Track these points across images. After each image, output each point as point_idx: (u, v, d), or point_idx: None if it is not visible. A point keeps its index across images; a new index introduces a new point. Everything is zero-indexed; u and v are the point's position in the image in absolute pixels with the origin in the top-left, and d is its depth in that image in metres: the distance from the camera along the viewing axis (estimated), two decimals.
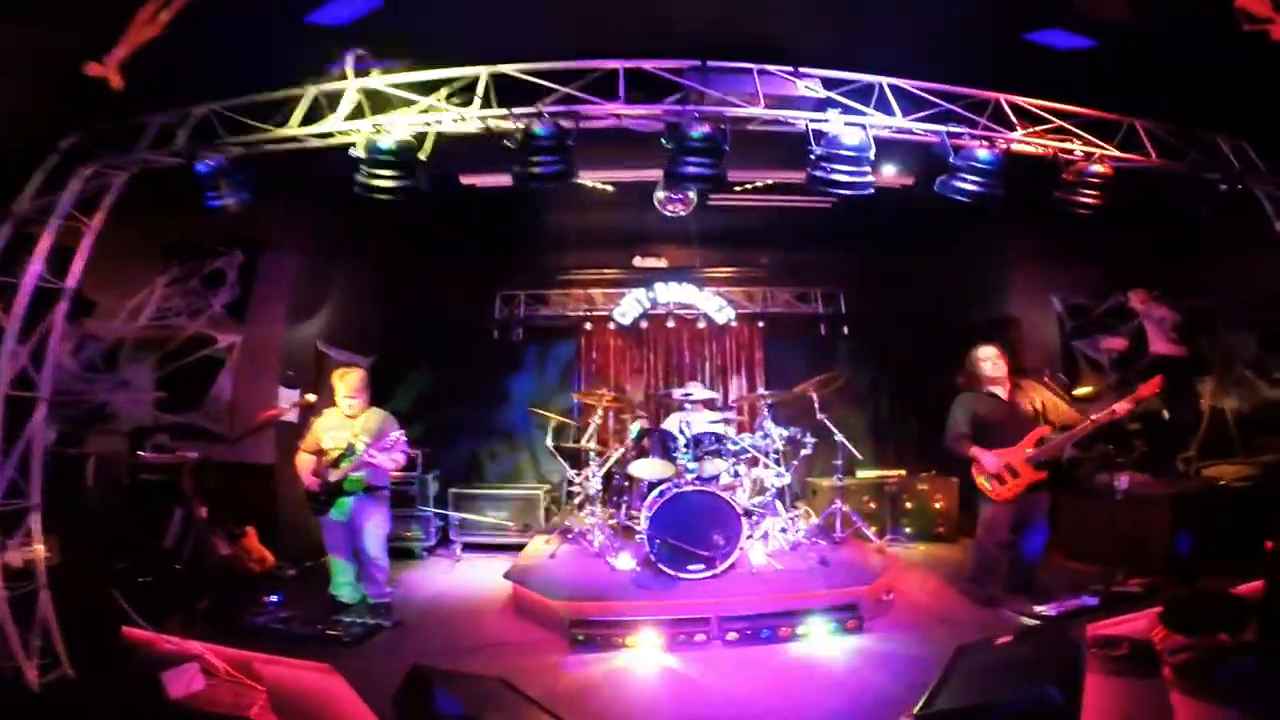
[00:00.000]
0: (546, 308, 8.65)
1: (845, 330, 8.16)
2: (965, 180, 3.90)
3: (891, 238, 7.47)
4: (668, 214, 6.67)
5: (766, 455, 5.77)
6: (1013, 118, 3.96)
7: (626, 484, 5.93)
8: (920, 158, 5.39)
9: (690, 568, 4.60)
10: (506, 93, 3.73)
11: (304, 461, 4.58)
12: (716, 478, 5.59)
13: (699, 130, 3.72)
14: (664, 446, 5.73)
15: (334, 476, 4.39)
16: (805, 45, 4.03)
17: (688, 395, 6.24)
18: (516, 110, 3.70)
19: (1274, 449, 6.22)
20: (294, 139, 3.79)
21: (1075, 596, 4.27)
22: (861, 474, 6.94)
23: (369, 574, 4.58)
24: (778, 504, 5.54)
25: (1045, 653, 2.61)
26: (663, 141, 3.91)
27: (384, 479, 4.63)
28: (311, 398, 5.62)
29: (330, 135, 3.80)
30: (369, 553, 4.52)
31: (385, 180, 3.71)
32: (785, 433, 5.86)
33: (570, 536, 5.76)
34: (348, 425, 4.54)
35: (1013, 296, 7.32)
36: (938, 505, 6.68)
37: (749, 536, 4.98)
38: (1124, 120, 4.09)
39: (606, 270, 8.68)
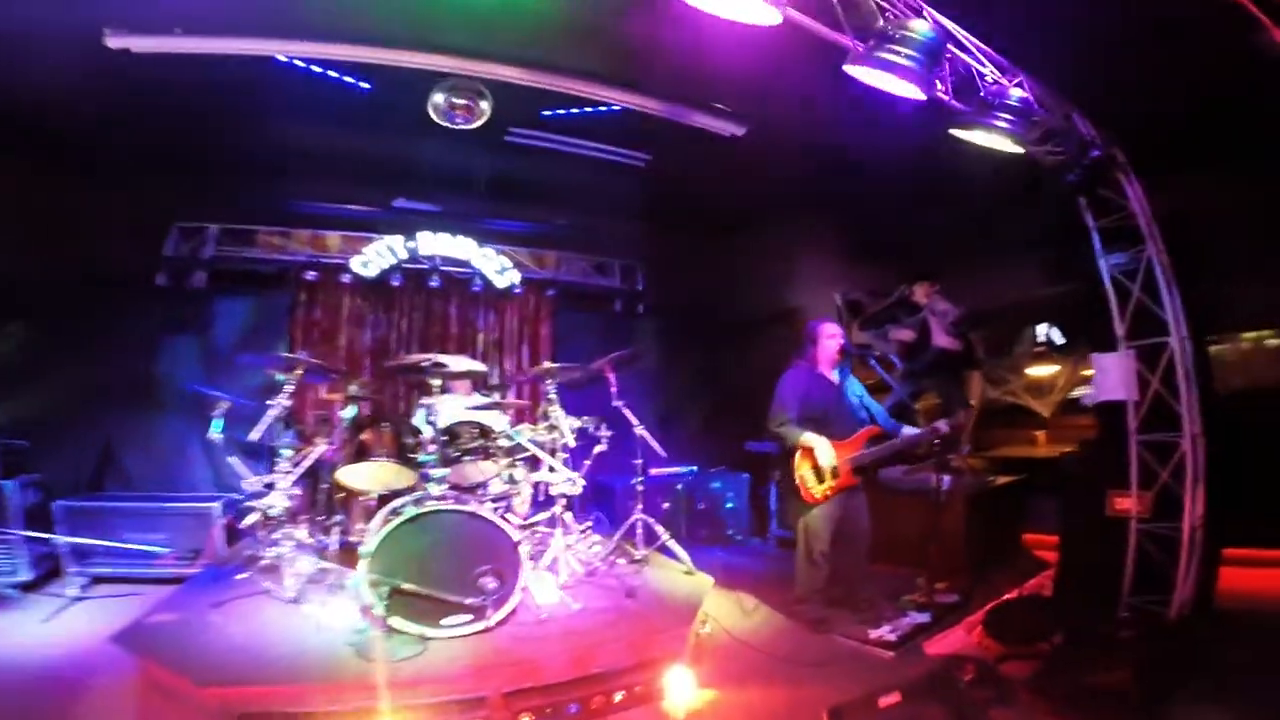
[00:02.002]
0: (251, 248, 6.27)
1: (641, 309, 7.27)
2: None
3: (695, 214, 6.76)
4: (448, 124, 5.05)
5: (554, 453, 4.49)
6: None
7: (342, 496, 4.14)
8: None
9: (446, 622, 3.10)
10: None
11: None
12: (482, 487, 4.14)
13: None
14: (397, 442, 4.07)
15: None
16: None
17: (438, 366, 4.08)
18: None
19: (994, 444, 6.99)
20: None
21: (902, 613, 3.79)
22: (654, 470, 6.05)
23: None
24: (569, 518, 4.27)
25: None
26: None
27: None
28: None
29: None
30: None
31: None
32: (577, 423, 4.63)
33: (255, 573, 3.80)
34: None
35: (799, 288, 7.13)
36: (729, 505, 6.08)
37: (533, 568, 3.64)
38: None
39: (350, 206, 6.58)
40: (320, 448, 4.01)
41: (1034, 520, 5.44)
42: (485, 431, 4.38)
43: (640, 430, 4.77)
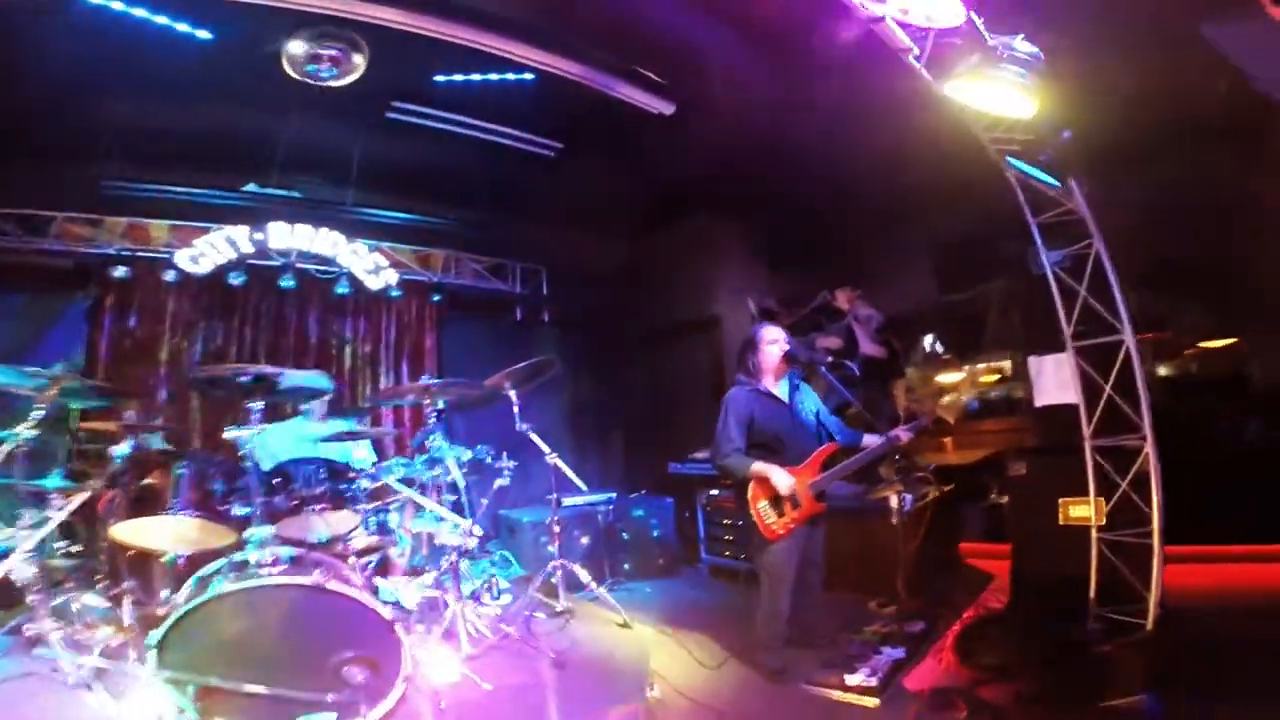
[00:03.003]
0: (41, 238, 4.80)
1: (546, 318, 6.48)
2: None
3: (607, 214, 6.14)
4: (311, 81, 4.06)
5: (439, 493, 3.60)
6: None
7: (132, 555, 2.90)
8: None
9: None
10: None
11: None
12: (341, 542, 3.15)
13: None
14: (200, 488, 2.93)
15: None
16: None
17: (261, 382, 2.74)
18: None
19: (909, 452, 6.95)
20: None
21: (872, 649, 3.32)
22: (568, 501, 5.27)
23: None
24: (466, 567, 3.38)
25: None
26: None
27: None
28: None
29: None
30: None
31: None
32: (467, 454, 3.78)
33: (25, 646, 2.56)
34: None
35: (717, 295, 6.73)
36: (655, 534, 5.42)
37: (423, 641, 2.74)
38: None
39: (179, 190, 5.27)
40: (82, 495, 2.80)
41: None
42: (337, 471, 3.39)
43: (552, 457, 3.99)
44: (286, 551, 2.46)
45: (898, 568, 4.12)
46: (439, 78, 4.37)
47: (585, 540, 5.06)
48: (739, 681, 3.21)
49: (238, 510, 2.77)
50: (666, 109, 4.26)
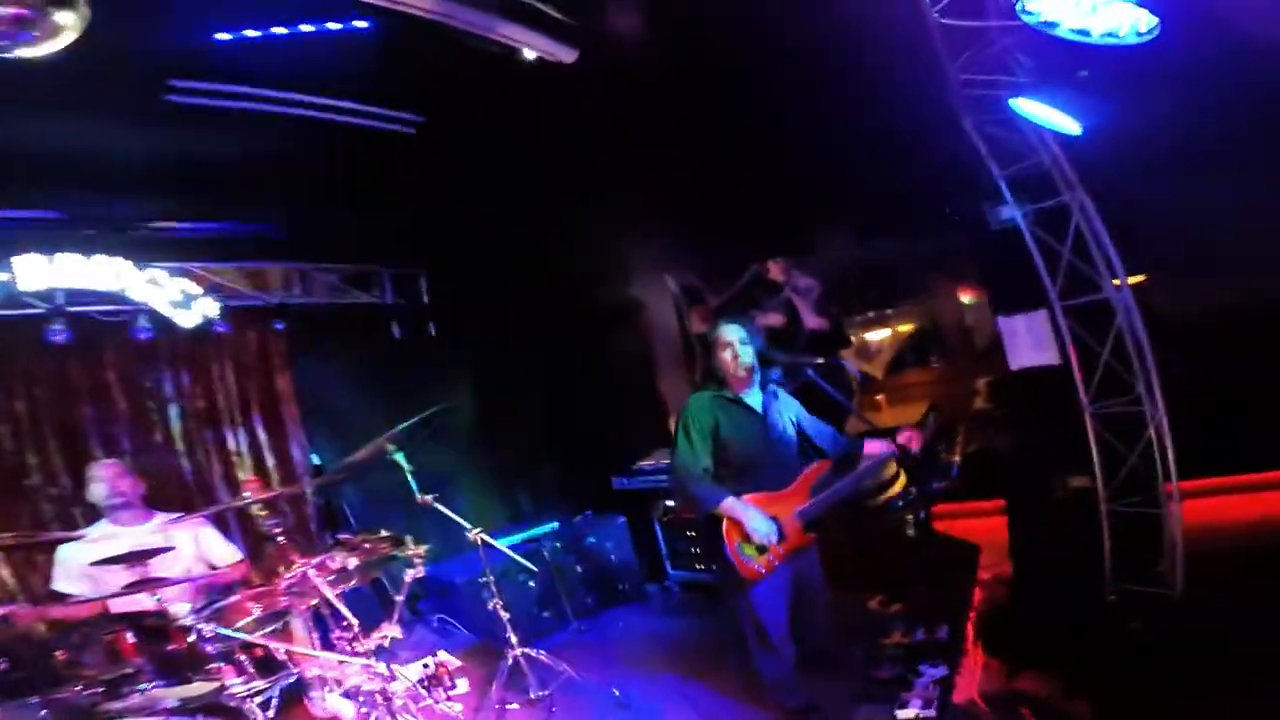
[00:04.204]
0: None
1: (432, 329, 5.33)
2: None
3: (492, 195, 5.03)
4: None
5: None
6: None
7: None
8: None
9: None
10: None
11: None
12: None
13: None
14: None
15: None
16: None
17: None
18: None
19: None
20: None
21: (910, 668, 2.84)
22: (503, 543, 4.39)
23: None
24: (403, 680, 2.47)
25: None
26: None
27: None
28: None
29: None
30: None
31: None
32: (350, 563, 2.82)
33: None
34: None
35: (638, 278, 5.90)
36: (612, 559, 4.65)
37: None
38: None
39: None
40: None
41: None
42: (144, 625, 2.31)
43: (476, 534, 3.10)
44: None
45: (895, 562, 3.68)
46: (222, 36, 3.07)
47: (533, 584, 4.25)
48: None
49: None
50: (566, 56, 3.26)
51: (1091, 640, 2.79)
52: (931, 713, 2.53)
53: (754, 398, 2.81)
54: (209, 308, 4.27)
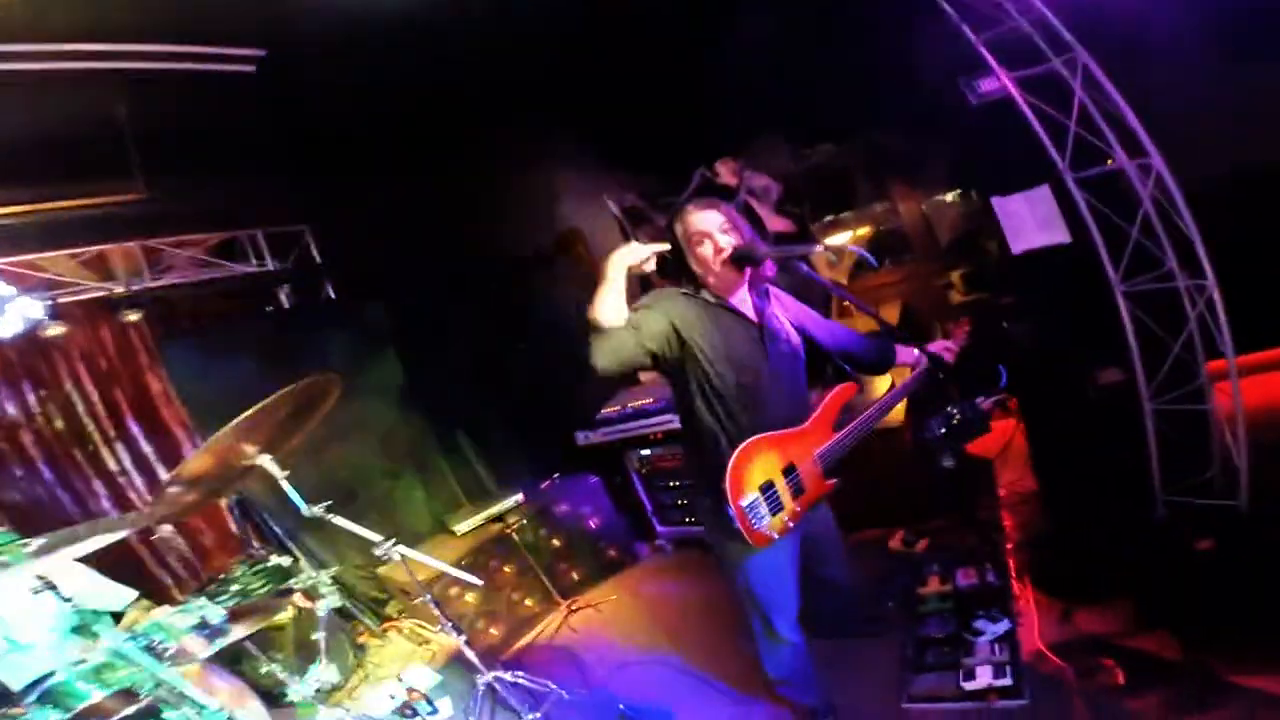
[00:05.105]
0: None
1: (331, 291, 4.45)
2: None
3: (379, 135, 4.04)
4: None
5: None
6: None
7: None
8: None
9: None
10: None
11: None
12: None
13: None
14: None
15: None
16: None
17: None
18: None
19: None
20: None
21: (965, 624, 2.40)
22: (460, 528, 3.82)
23: None
24: None
25: None
26: None
27: None
28: None
29: None
30: None
31: None
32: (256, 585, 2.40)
33: None
34: None
35: (570, 206, 5.11)
36: (592, 525, 4.13)
37: None
38: None
39: None
40: None
41: None
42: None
43: (392, 551, 2.43)
44: None
45: (906, 488, 3.22)
46: None
47: (509, 569, 3.73)
48: None
49: None
50: None
51: (1153, 566, 2.38)
52: (1006, 680, 2.11)
53: (743, 301, 2.06)
54: (28, 308, 3.35)
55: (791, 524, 1.99)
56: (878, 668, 2.38)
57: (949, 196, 5.01)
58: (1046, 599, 2.43)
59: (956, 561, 2.72)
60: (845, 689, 2.34)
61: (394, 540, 2.36)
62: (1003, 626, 2.32)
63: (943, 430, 2.11)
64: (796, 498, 1.99)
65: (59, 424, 3.76)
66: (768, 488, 1.94)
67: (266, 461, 2.31)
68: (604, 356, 1.86)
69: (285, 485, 2.32)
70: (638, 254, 1.90)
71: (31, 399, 3.71)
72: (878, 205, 5.43)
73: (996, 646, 2.26)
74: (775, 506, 1.95)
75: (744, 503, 1.89)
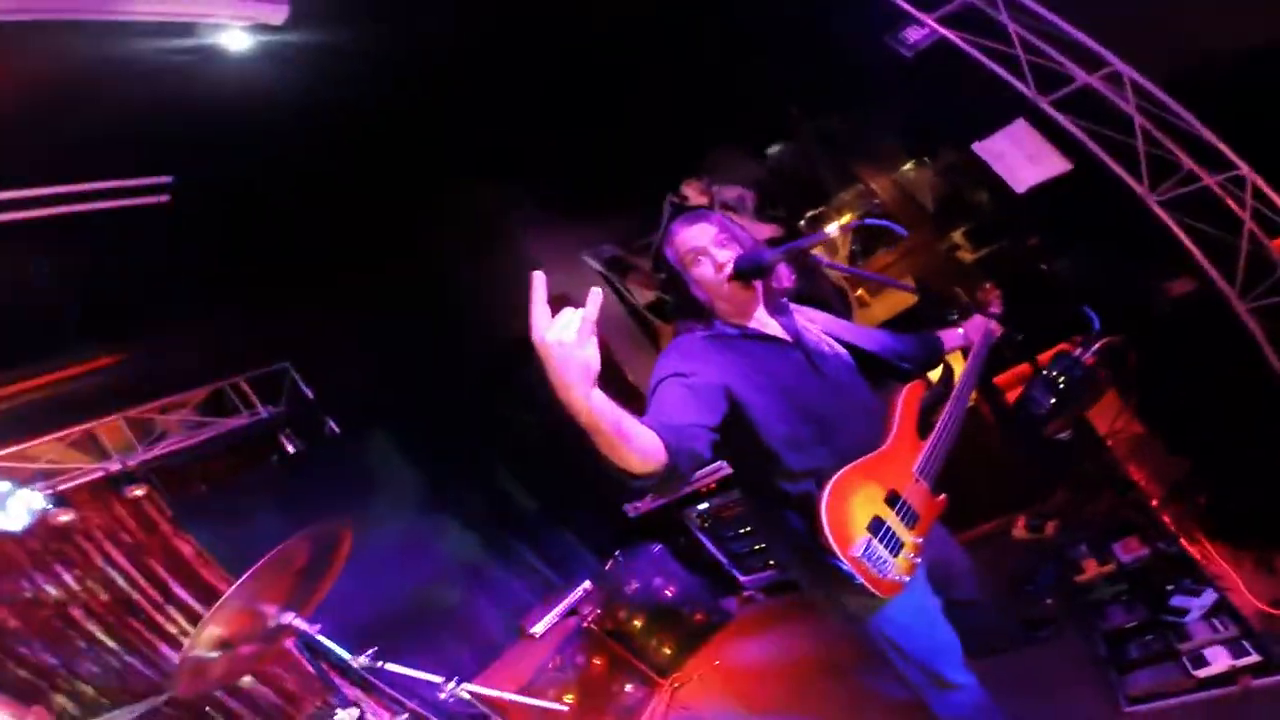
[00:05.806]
0: None
1: (334, 426, 4.23)
2: None
3: (322, 261, 3.89)
4: None
5: None
6: None
7: None
8: None
9: None
10: None
11: None
12: None
13: None
14: None
15: None
16: None
17: None
18: None
19: None
20: None
21: (1157, 604, 2.04)
22: (534, 630, 3.59)
23: None
24: None
25: None
26: None
27: None
28: None
29: None
30: None
31: None
32: None
33: None
34: None
35: (550, 275, 4.95)
36: (669, 594, 3.78)
37: None
38: None
39: None
40: None
41: None
42: None
43: (464, 691, 2.16)
44: None
45: (1003, 468, 2.82)
46: None
47: (598, 660, 3.48)
48: None
49: None
50: (276, 16, 2.23)
51: None
52: (1253, 657, 1.80)
53: (766, 324, 1.74)
54: (31, 500, 3.24)
55: (917, 560, 1.63)
56: (1070, 676, 2.04)
57: (911, 164, 4.83)
58: (1232, 550, 2.08)
59: (1105, 536, 2.36)
60: (1045, 709, 2.00)
61: (455, 680, 2.10)
62: (1209, 597, 1.99)
63: (1053, 400, 1.80)
64: (912, 528, 1.62)
65: (104, 596, 3.61)
66: (877, 526, 1.57)
67: (292, 620, 2.08)
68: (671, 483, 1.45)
69: (322, 639, 2.09)
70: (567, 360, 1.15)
71: (69, 578, 3.56)
72: (848, 191, 5.25)
73: (1215, 622, 1.94)
74: (894, 545, 1.58)
75: (855, 552, 1.52)
